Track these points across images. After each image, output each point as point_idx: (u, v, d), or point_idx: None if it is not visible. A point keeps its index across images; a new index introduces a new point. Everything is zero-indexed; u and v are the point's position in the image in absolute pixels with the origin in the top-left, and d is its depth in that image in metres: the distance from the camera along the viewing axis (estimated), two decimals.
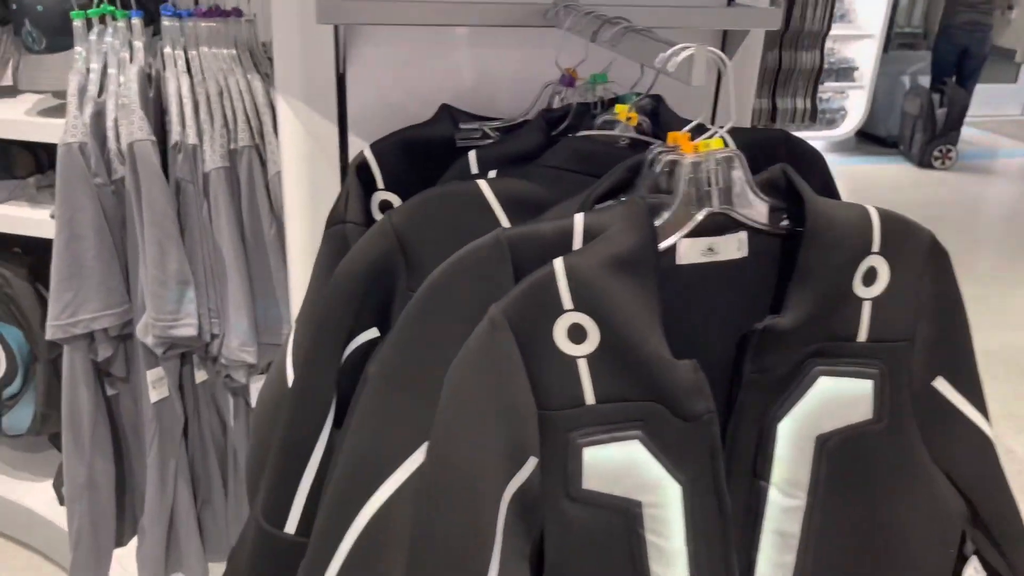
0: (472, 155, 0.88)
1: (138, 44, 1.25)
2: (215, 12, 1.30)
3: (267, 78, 1.23)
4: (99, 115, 1.16)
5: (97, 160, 1.14)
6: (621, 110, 0.81)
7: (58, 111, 1.72)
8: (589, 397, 0.70)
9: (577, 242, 0.71)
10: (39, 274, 1.89)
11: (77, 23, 1.25)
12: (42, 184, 1.90)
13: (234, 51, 1.29)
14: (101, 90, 1.19)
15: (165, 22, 1.27)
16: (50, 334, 1.18)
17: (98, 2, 1.27)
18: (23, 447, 2.13)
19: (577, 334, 0.69)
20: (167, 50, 1.26)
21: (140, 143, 1.11)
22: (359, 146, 1.02)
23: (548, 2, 0.96)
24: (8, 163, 1.82)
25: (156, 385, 1.23)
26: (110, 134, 1.16)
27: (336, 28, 0.96)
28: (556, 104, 0.93)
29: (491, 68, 1.02)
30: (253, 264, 1.21)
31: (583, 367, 0.69)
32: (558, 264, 0.68)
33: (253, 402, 1.30)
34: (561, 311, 0.68)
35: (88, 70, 1.21)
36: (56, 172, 1.13)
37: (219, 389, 1.32)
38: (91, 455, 1.26)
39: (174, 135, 1.14)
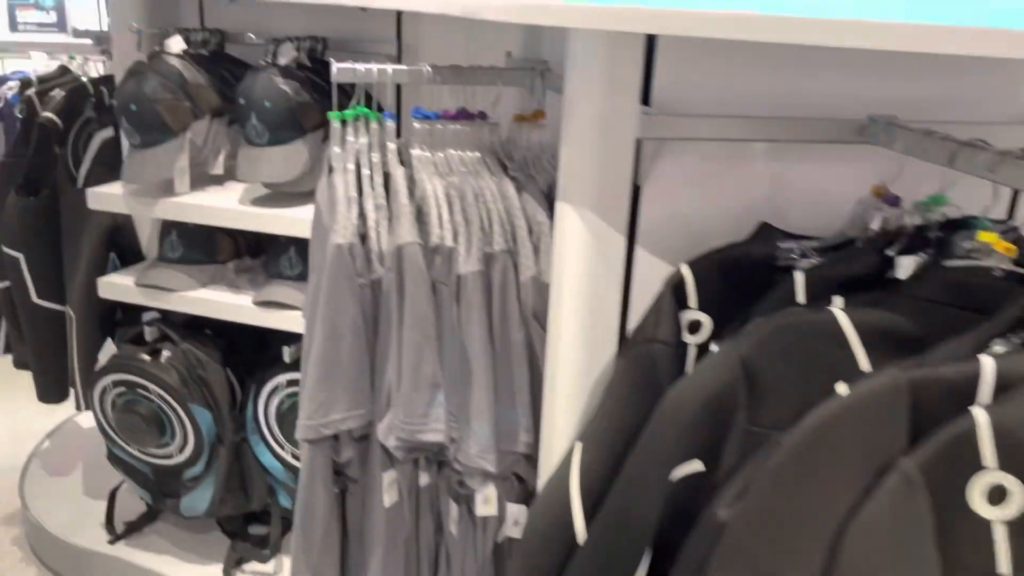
0: (799, 277, 0.83)
1: (392, 146, 1.27)
2: (462, 115, 1.32)
3: (516, 182, 1.22)
4: (362, 216, 1.17)
5: (361, 261, 1.14)
6: (991, 239, 0.75)
7: (266, 200, 1.77)
8: (1004, 566, 0.62)
9: (985, 390, 0.64)
10: (230, 358, 1.93)
11: (335, 124, 1.27)
12: (240, 269, 1.95)
13: (478, 154, 1.30)
14: (359, 191, 1.20)
15: (416, 124, 1.29)
16: (301, 434, 1.17)
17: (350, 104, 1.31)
18: (190, 527, 2.13)
19: (997, 495, 0.61)
20: (416, 151, 1.28)
21: (409, 246, 1.11)
22: (645, 260, 0.99)
23: (861, 118, 0.92)
24: (211, 248, 1.87)
25: (389, 489, 1.20)
26: (372, 235, 1.16)
27: (639, 140, 0.94)
28: (877, 224, 0.88)
29: (788, 182, 0.98)
30: (498, 369, 1.18)
31: (1000, 532, 0.62)
32: (981, 416, 0.61)
33: (477, 509, 1.25)
34: (981, 469, 0.61)
35: (345, 170, 1.23)
36: (326, 272, 1.13)
37: (441, 493, 1.28)
38: (319, 556, 1.23)
39: (433, 237, 1.14)
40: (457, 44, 1.79)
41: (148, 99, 1.69)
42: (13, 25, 5.11)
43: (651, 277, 0.99)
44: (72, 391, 2.14)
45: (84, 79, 2.23)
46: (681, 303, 0.87)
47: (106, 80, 2.26)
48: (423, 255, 1.14)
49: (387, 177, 1.26)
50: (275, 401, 1.88)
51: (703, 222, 0.98)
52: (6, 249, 2.11)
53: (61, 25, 5.14)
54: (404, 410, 1.15)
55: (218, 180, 1.91)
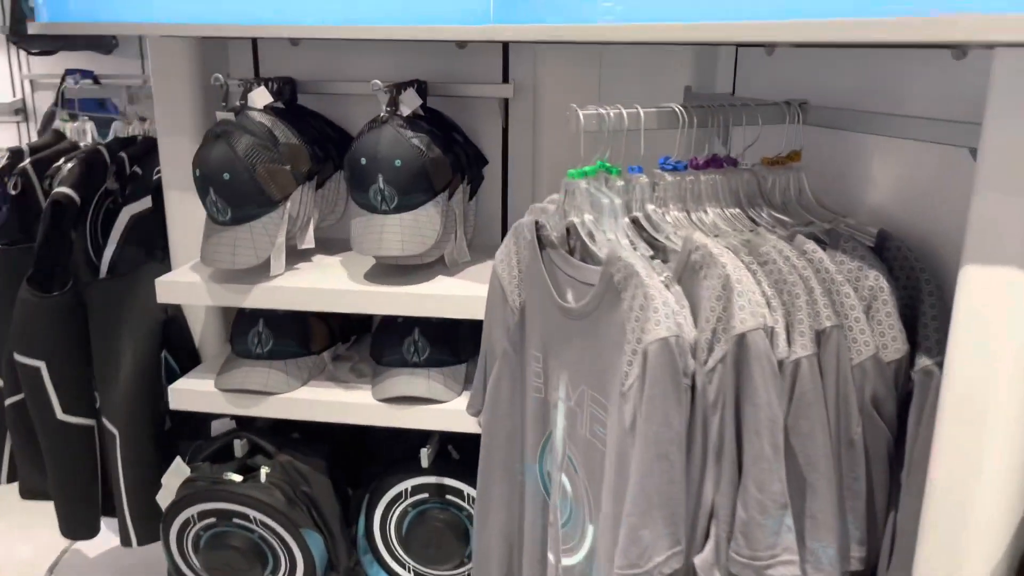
0: None
1: (651, 208, 1.03)
2: (713, 162, 1.09)
3: (820, 243, 1.00)
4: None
5: (684, 355, 0.89)
6: None
7: (378, 276, 1.48)
8: None
9: None
10: (337, 467, 1.61)
11: (580, 184, 1.02)
12: (337, 358, 1.65)
13: (737, 209, 1.08)
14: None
15: (668, 177, 1.05)
16: None
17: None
18: None
19: None
20: (674, 214, 1.04)
21: (754, 333, 0.87)
22: None
23: None
24: (306, 337, 1.56)
25: None
26: (679, 319, 0.91)
27: None
28: None
29: None
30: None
31: None
32: None
33: None
34: None
35: (618, 241, 0.98)
36: (646, 376, 0.87)
37: None
38: None
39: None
40: (587, 81, 1.57)
41: (244, 165, 1.38)
42: None
43: None
44: (120, 525, 1.74)
45: (98, 145, 1.87)
46: None
47: (125, 143, 1.91)
48: None
49: (654, 245, 1.02)
50: (396, 513, 1.58)
51: None
52: (20, 358, 1.71)
53: None
54: (746, 540, 0.90)
55: (304, 255, 1.60)
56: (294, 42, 1.69)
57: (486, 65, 1.65)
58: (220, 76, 1.45)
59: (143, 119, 1.96)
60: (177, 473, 1.58)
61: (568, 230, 1.11)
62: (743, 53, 1.36)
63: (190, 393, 1.53)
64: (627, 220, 1.04)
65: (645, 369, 0.88)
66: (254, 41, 1.72)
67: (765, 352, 0.87)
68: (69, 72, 4.07)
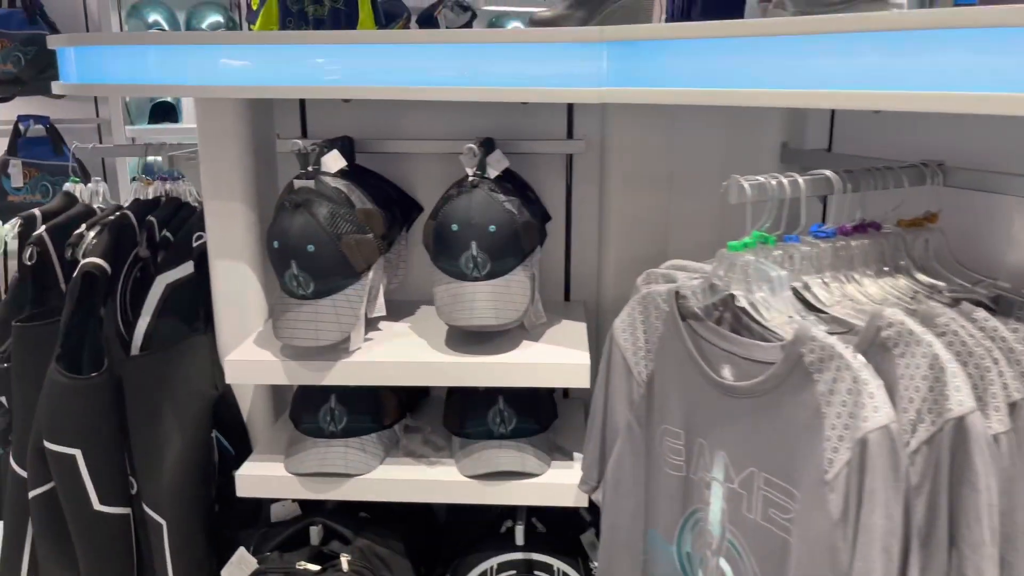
0: None
1: (814, 279, 1.00)
2: (860, 228, 1.07)
3: (988, 309, 0.98)
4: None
5: (902, 441, 0.85)
6: None
7: (458, 344, 1.40)
8: None
9: None
10: (413, 547, 1.52)
11: (744, 256, 0.98)
12: (409, 430, 1.56)
13: (888, 276, 1.05)
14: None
15: (822, 245, 1.02)
16: None
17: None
18: None
19: None
20: (834, 284, 1.01)
21: (972, 416, 0.83)
22: None
23: None
24: (379, 411, 1.47)
25: None
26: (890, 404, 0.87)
27: None
28: None
29: None
30: None
31: None
32: None
33: None
34: None
35: (794, 316, 0.94)
36: (864, 462, 0.83)
37: None
38: None
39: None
40: (658, 136, 1.54)
41: (329, 235, 1.29)
42: None
43: None
44: None
45: (123, 209, 1.74)
46: None
47: (148, 206, 1.78)
48: None
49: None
50: None
51: None
52: (52, 446, 1.57)
53: None
54: None
55: (371, 324, 1.51)
56: (345, 100, 1.61)
57: (549, 121, 1.61)
58: (299, 142, 1.36)
59: (164, 178, 1.84)
60: (241, 564, 1.46)
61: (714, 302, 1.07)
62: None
63: (257, 479, 1.42)
64: (789, 292, 1.00)
65: (864, 459, 0.84)
66: (302, 100, 1.64)
67: (984, 435, 0.84)
68: (21, 119, 3.85)
